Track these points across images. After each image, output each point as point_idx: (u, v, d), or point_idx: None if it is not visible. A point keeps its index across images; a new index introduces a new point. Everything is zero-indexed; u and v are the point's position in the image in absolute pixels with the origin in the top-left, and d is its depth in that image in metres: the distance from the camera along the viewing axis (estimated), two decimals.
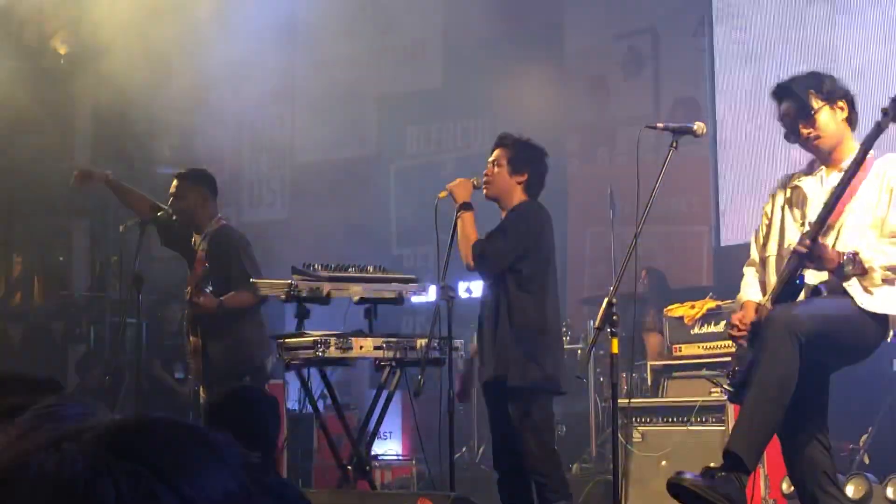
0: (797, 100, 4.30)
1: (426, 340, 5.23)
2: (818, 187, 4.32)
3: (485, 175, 5.25)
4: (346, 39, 10.65)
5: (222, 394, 4.05)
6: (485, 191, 5.25)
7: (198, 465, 0.86)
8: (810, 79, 4.38)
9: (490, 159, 5.29)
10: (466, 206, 5.21)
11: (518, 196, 5.24)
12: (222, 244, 6.23)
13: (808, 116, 4.27)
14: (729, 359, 6.57)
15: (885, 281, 4.04)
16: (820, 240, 4.01)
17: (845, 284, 4.06)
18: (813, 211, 4.21)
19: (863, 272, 4.01)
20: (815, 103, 4.27)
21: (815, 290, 4.15)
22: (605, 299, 4.12)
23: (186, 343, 6.48)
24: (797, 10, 8.24)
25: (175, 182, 6.45)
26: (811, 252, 3.97)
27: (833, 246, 4.08)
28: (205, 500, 0.84)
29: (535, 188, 5.27)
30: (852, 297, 4.05)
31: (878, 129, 4.09)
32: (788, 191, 4.44)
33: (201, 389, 6.39)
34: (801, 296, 4.17)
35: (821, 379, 4.30)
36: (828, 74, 4.43)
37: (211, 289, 6.09)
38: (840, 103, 4.32)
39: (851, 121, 4.38)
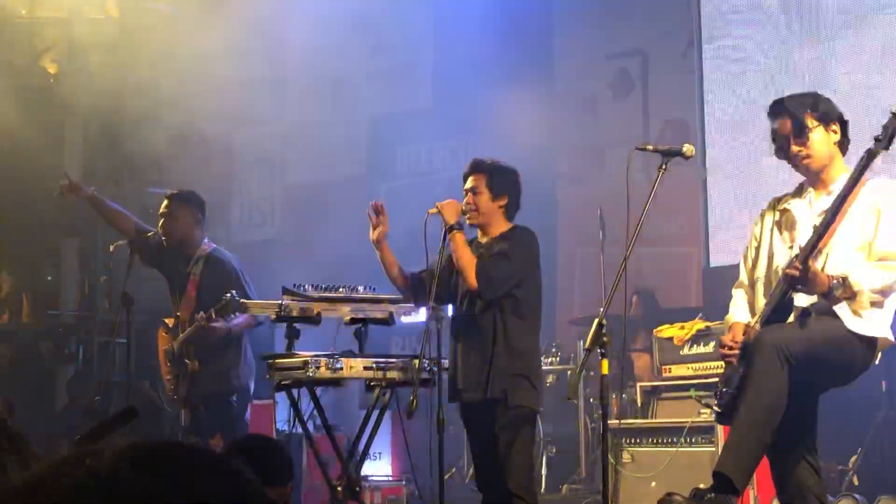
0: (793, 117, 4.34)
1: (418, 361, 5.24)
2: (807, 210, 4.36)
3: (467, 204, 5.28)
4: (337, 60, 10.68)
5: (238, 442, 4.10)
6: (469, 220, 5.29)
7: (204, 478, 0.95)
8: (807, 98, 4.43)
9: (466, 187, 5.33)
10: (457, 227, 5.24)
11: (501, 220, 5.30)
12: (220, 270, 6.27)
13: (802, 135, 4.31)
14: (718, 380, 6.62)
15: (874, 304, 4.07)
16: (810, 263, 4.04)
17: (834, 307, 4.09)
18: (802, 234, 4.25)
19: (852, 296, 4.04)
20: (810, 123, 4.31)
21: (803, 313, 4.17)
22: (596, 320, 4.13)
23: (174, 367, 6.47)
24: (784, 32, 8.30)
25: (166, 202, 6.47)
26: (802, 276, 4.00)
27: (822, 269, 4.10)
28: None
29: (514, 210, 5.34)
30: (841, 320, 4.08)
31: (870, 156, 4.13)
32: (777, 213, 4.48)
33: (184, 412, 6.41)
34: (791, 318, 4.20)
35: (809, 400, 4.32)
36: (825, 97, 4.48)
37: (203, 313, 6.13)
38: (833, 126, 4.36)
39: (843, 145, 4.42)
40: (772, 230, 4.46)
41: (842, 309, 4.07)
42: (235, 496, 0.96)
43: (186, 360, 6.30)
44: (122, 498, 0.91)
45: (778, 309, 4.19)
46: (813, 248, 4.06)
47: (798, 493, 4.29)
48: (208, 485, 0.95)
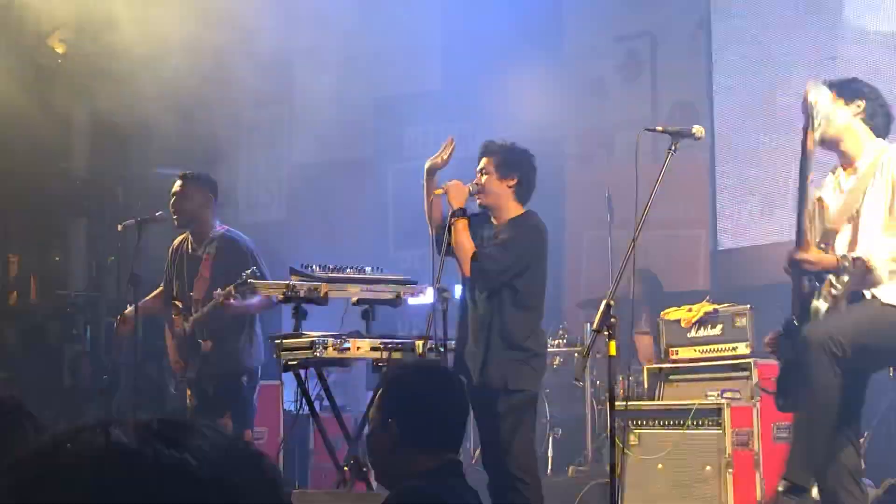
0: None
1: (423, 342, 5.25)
2: (836, 190, 4.42)
3: (476, 184, 5.27)
4: (344, 40, 10.65)
5: None
6: (478, 200, 5.29)
7: (229, 457, 0.97)
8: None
9: (477, 168, 5.32)
10: (461, 213, 5.23)
11: (511, 203, 5.28)
12: (236, 250, 6.27)
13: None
14: (725, 362, 6.62)
15: (893, 272, 4.12)
16: (816, 246, 4.08)
17: (865, 289, 4.13)
18: (832, 215, 4.30)
19: (867, 271, 4.06)
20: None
21: (842, 299, 4.22)
22: (604, 301, 4.13)
23: (185, 347, 6.47)
24: (796, 14, 8.26)
25: (180, 182, 6.46)
26: (805, 261, 4.05)
27: (851, 246, 4.15)
28: (234, 485, 0.95)
29: (526, 191, 5.31)
30: (875, 298, 4.13)
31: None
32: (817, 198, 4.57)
33: (189, 393, 6.42)
34: (823, 305, 4.23)
35: (859, 385, 4.38)
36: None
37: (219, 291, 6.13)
38: (858, 102, 4.40)
39: (875, 125, 4.44)
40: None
41: (871, 287, 4.12)
42: (253, 475, 0.98)
43: (200, 340, 6.31)
44: (143, 468, 0.92)
45: (800, 298, 4.25)
46: (798, 231, 4.13)
47: (833, 468, 4.33)
48: (227, 461, 0.96)
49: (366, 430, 3.22)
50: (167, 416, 0.99)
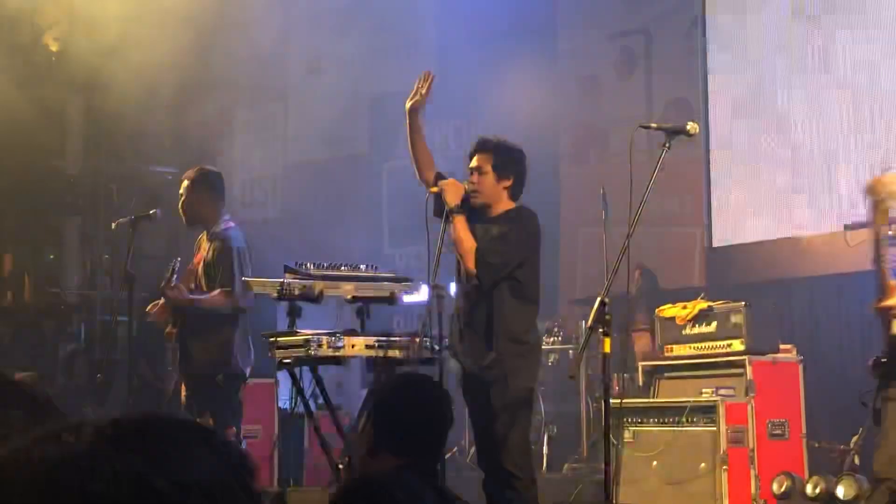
0: None
1: (419, 340, 5.25)
2: None
3: (471, 184, 5.25)
4: (339, 38, 10.64)
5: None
6: (473, 199, 5.27)
7: (188, 453, 0.93)
8: None
9: (471, 165, 5.30)
10: (458, 210, 5.22)
11: (504, 200, 5.28)
12: (224, 248, 6.23)
13: None
14: (720, 359, 6.64)
15: None
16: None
17: None
18: None
19: None
20: None
21: None
22: (598, 299, 4.13)
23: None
24: (788, 12, 8.26)
25: (190, 181, 6.43)
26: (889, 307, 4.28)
27: None
28: (194, 484, 0.91)
29: (518, 190, 5.31)
30: None
31: None
32: None
33: (182, 386, 6.39)
34: None
35: None
36: None
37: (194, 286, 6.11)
38: None
39: None
40: None
41: None
42: (220, 473, 0.94)
43: (170, 329, 6.27)
44: (98, 476, 0.88)
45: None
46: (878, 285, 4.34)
47: None
48: (191, 462, 0.92)
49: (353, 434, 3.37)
50: (126, 415, 0.95)
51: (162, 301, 6.27)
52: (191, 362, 6.22)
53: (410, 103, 5.44)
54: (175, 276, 6.02)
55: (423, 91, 5.41)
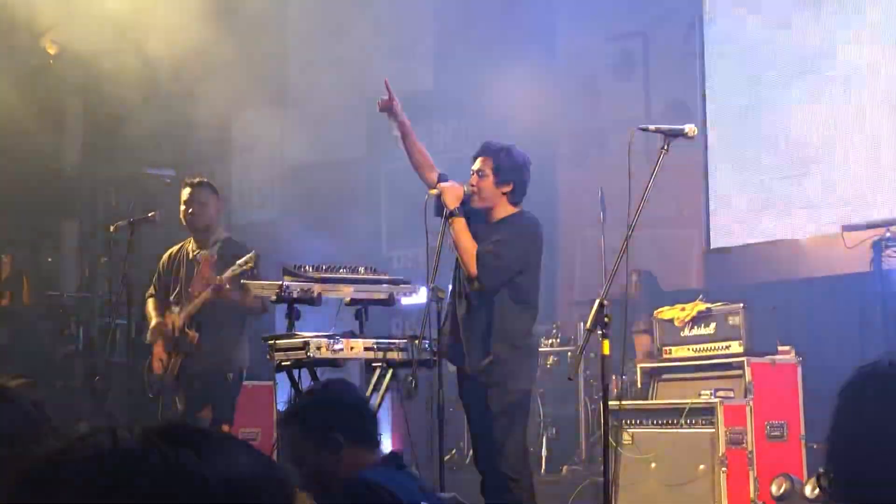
0: None
1: (417, 342, 5.25)
2: None
3: (471, 186, 5.27)
4: (337, 40, 10.64)
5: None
6: (472, 202, 5.28)
7: (232, 453, 1.00)
8: None
9: (474, 168, 5.31)
10: (457, 213, 5.22)
11: (504, 205, 5.29)
12: (239, 252, 6.28)
13: None
14: (717, 361, 6.64)
15: None
16: None
17: None
18: None
19: None
20: None
21: None
22: (597, 301, 4.14)
23: (174, 336, 6.45)
24: (786, 14, 8.27)
25: (191, 190, 6.47)
26: None
27: None
28: (239, 481, 0.98)
29: (519, 196, 5.33)
30: None
31: None
32: None
33: (177, 387, 6.42)
34: None
35: None
36: None
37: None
38: None
39: None
40: None
41: None
42: (261, 473, 1.00)
43: (187, 330, 6.31)
44: (149, 469, 0.94)
45: None
46: None
47: None
48: (236, 461, 0.99)
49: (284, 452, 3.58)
50: (173, 421, 1.01)
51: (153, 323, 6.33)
52: (201, 360, 6.27)
53: (379, 109, 5.52)
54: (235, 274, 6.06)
55: (386, 96, 5.48)
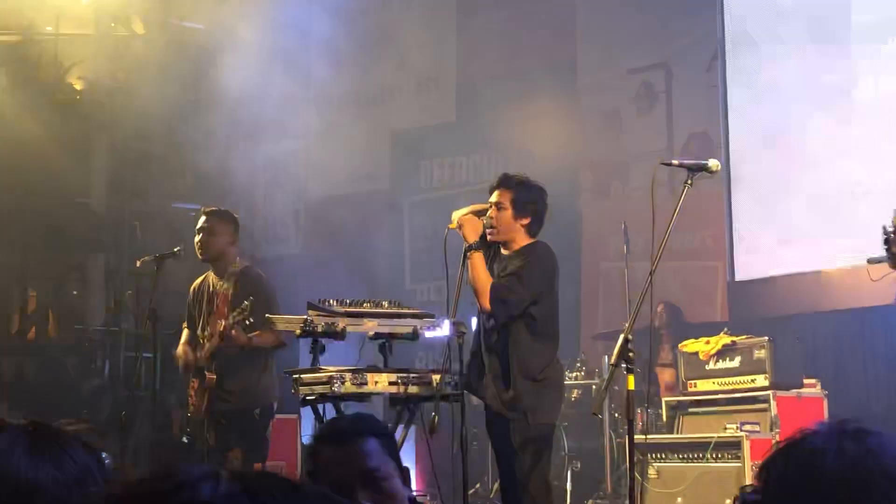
0: None
1: (440, 377, 5.25)
2: None
3: (490, 218, 5.28)
4: (360, 74, 10.72)
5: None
6: (490, 236, 5.29)
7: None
8: None
9: (492, 200, 5.32)
10: (476, 246, 5.23)
11: (522, 236, 5.30)
12: (253, 286, 6.29)
13: None
14: (743, 395, 6.60)
15: None
16: None
17: None
18: None
19: None
20: None
21: None
22: (622, 335, 4.13)
23: (194, 378, 6.48)
24: (809, 45, 8.28)
25: (205, 218, 6.49)
26: None
27: None
28: None
29: (536, 228, 5.33)
30: None
31: None
32: None
33: (205, 424, 6.41)
34: None
35: None
36: None
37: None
38: None
39: None
40: None
41: None
42: None
43: (206, 373, 6.33)
44: None
45: None
46: None
47: None
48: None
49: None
50: (261, 472, 1.05)
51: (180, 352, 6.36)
52: (228, 399, 6.28)
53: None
54: (235, 322, 6.06)
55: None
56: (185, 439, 6.49)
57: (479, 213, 5.35)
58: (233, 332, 6.07)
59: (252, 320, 6.01)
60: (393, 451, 3.07)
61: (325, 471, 2.94)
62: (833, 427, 1.63)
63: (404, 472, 3.24)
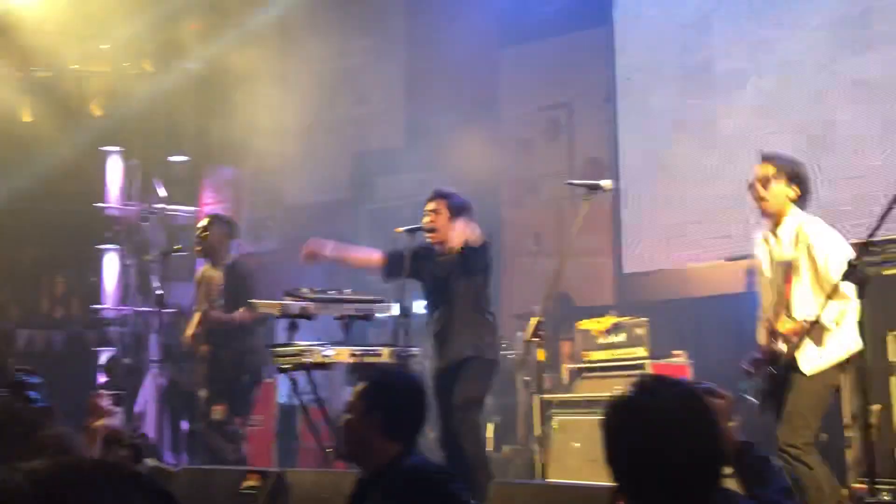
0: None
1: (390, 349, 5.27)
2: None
3: (430, 223, 5.27)
4: (328, 107, 10.68)
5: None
6: (431, 237, 5.28)
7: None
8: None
9: (429, 208, 5.32)
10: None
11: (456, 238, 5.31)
12: (239, 274, 6.27)
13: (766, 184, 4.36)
14: (627, 363, 6.67)
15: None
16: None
17: None
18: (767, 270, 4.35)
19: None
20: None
21: None
22: (534, 319, 4.17)
23: (195, 350, 6.43)
24: (684, 86, 8.40)
25: (207, 220, 6.51)
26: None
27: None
28: None
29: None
30: None
31: None
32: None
33: (204, 390, 6.35)
34: None
35: None
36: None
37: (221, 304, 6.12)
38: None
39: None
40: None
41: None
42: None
43: (202, 346, 6.30)
44: None
45: None
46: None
47: None
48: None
49: (344, 417, 3.04)
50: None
51: (196, 322, 6.32)
52: (222, 368, 6.23)
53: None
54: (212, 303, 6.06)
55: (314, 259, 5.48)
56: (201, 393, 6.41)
57: (415, 230, 5.36)
58: (212, 314, 6.07)
59: (223, 302, 6.05)
60: None
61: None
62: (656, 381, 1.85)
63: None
